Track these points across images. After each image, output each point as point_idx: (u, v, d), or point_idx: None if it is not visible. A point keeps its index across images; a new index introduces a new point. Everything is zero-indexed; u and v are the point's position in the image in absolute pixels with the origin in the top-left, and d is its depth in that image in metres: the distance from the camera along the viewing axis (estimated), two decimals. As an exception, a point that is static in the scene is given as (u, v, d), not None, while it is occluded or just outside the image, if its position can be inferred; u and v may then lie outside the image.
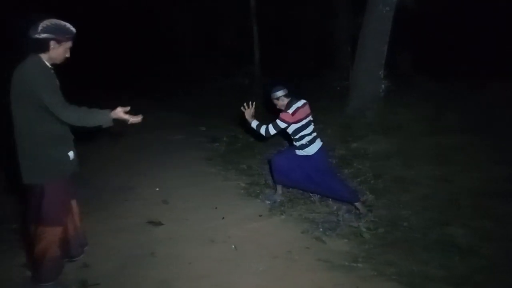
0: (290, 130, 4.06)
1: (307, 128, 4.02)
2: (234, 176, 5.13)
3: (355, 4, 7.61)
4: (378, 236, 3.53)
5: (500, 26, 8.03)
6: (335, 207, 4.10)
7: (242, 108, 4.24)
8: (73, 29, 2.56)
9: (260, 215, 4.03)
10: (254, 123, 4.16)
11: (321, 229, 3.71)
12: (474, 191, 4.01)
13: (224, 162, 5.67)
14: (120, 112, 2.57)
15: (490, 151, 4.59)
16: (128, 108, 2.61)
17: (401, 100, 5.81)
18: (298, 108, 3.95)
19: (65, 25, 2.53)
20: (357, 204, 3.96)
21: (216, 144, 6.58)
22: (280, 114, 4.02)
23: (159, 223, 3.84)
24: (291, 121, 3.95)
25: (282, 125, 3.99)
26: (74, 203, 2.89)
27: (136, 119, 2.64)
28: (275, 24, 10.20)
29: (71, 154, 2.69)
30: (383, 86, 6.28)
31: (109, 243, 3.45)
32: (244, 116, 4.22)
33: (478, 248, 3.21)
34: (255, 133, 4.29)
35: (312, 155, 4.05)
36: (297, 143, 4.09)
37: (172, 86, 10.96)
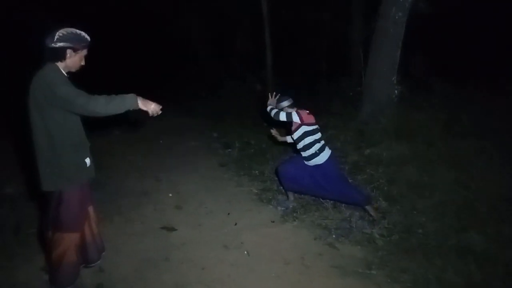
0: (298, 134, 3.99)
1: (316, 134, 3.98)
2: (246, 182, 5.14)
3: (368, 9, 7.58)
4: (392, 242, 3.50)
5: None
6: (348, 213, 4.07)
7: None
8: (88, 37, 2.60)
9: (273, 221, 4.03)
10: (269, 107, 4.21)
11: (334, 236, 3.69)
12: (491, 197, 3.92)
13: (237, 168, 5.68)
14: (145, 104, 2.53)
15: (508, 156, 4.49)
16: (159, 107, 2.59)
17: (416, 104, 5.74)
18: (308, 114, 3.96)
19: (80, 34, 2.57)
20: (369, 208, 3.93)
21: (229, 150, 6.61)
22: (297, 109, 4.02)
23: (173, 229, 3.87)
24: (304, 120, 3.91)
25: (295, 117, 3.92)
26: (91, 209, 2.92)
27: (158, 109, 2.59)
28: (288, 29, 10.22)
29: (87, 160, 2.73)
30: (396, 91, 6.22)
31: (124, 247, 3.49)
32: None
33: (495, 255, 3.15)
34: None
35: (323, 163, 3.98)
36: (306, 153, 4.00)
37: (186, 91, 11.06)
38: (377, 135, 5.54)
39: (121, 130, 7.47)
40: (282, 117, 3.98)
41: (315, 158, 3.98)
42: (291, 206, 4.31)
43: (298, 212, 4.16)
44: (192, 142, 7.07)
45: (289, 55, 10.29)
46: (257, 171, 5.46)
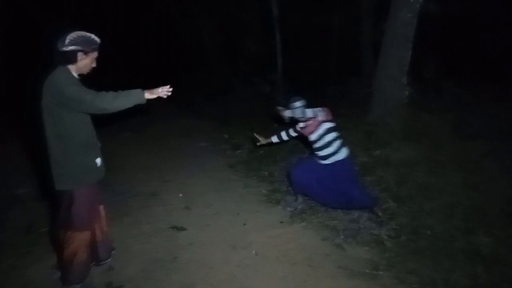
0: (319, 131, 3.87)
1: (336, 131, 3.92)
2: (255, 183, 5.17)
3: (379, 11, 7.56)
4: (400, 244, 3.49)
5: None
6: (356, 215, 4.07)
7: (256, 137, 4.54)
8: (98, 40, 2.66)
9: (281, 222, 4.04)
10: (274, 138, 4.32)
11: (341, 237, 3.70)
12: (500, 199, 3.89)
13: (246, 169, 5.71)
14: (152, 92, 2.60)
15: (518, 159, 4.47)
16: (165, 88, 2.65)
17: (426, 106, 5.71)
18: (328, 110, 3.92)
19: (90, 36, 2.63)
20: (376, 209, 3.92)
21: (238, 151, 6.64)
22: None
23: (182, 228, 3.92)
24: (327, 117, 3.85)
25: (320, 113, 3.82)
26: (101, 208, 2.98)
27: (165, 90, 2.65)
28: (298, 31, 10.23)
29: (98, 161, 2.79)
30: (406, 92, 6.19)
31: (133, 247, 3.55)
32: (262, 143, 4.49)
33: (504, 257, 3.13)
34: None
35: (343, 159, 3.93)
36: (326, 151, 3.92)
37: (196, 93, 11.14)
38: (386, 137, 5.52)
39: (132, 131, 7.56)
40: (309, 113, 3.84)
41: (335, 155, 3.92)
42: (299, 207, 4.32)
43: (307, 213, 4.17)
44: (201, 143, 7.12)
45: (298, 57, 10.28)
46: (266, 172, 5.48)
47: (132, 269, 3.20)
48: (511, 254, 3.15)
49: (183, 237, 3.76)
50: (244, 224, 4.01)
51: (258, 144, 4.57)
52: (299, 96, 4.03)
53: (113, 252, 3.19)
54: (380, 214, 3.91)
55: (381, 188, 4.56)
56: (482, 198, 3.98)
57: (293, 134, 4.33)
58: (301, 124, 4.08)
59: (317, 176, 4.05)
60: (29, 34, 9.51)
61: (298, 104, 3.94)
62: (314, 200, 4.33)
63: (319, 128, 3.89)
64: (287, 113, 3.94)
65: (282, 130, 4.43)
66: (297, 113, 3.88)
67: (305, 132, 4.05)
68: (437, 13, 6.75)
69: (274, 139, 4.50)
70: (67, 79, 2.54)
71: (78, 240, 2.74)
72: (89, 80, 2.76)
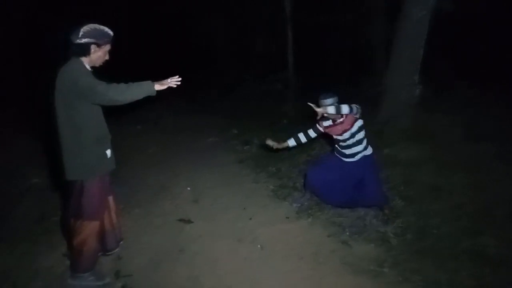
0: (354, 129, 3.72)
1: (364, 129, 3.82)
2: (263, 179, 5.20)
3: (391, 9, 7.51)
4: (405, 242, 3.50)
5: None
6: (362, 212, 4.07)
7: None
8: (111, 32, 2.72)
9: (288, 217, 4.08)
10: (291, 142, 4.10)
11: (347, 233, 3.71)
12: (508, 201, 3.87)
13: (254, 165, 5.75)
14: (162, 83, 2.66)
15: (528, 161, 4.43)
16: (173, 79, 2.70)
17: (437, 106, 5.68)
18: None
19: (103, 29, 2.69)
20: (385, 207, 3.92)
21: (247, 146, 6.68)
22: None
23: (189, 221, 3.98)
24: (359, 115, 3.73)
25: (355, 109, 3.59)
26: (111, 199, 3.05)
27: (175, 80, 2.70)
28: (310, 30, 10.20)
29: (108, 152, 2.85)
30: (418, 91, 6.16)
31: (141, 238, 3.63)
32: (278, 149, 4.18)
33: (510, 259, 3.11)
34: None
35: (370, 154, 3.88)
36: (355, 149, 3.82)
37: (208, 90, 11.21)
38: (396, 136, 5.52)
39: (143, 125, 7.65)
40: (345, 110, 3.53)
41: (363, 153, 3.84)
42: (306, 204, 4.34)
43: (313, 209, 4.19)
44: (211, 139, 7.18)
45: (310, 55, 10.26)
46: (274, 168, 5.51)
47: (140, 259, 3.28)
48: (518, 256, 3.14)
49: (190, 230, 3.83)
50: (251, 219, 4.05)
51: (274, 149, 4.19)
52: (330, 92, 3.76)
53: (121, 242, 3.25)
54: (387, 212, 3.91)
55: (388, 187, 4.55)
56: (489, 199, 3.96)
57: (313, 135, 4.06)
58: (325, 123, 3.88)
59: (333, 178, 3.88)
60: (41, 29, 9.62)
61: (331, 100, 3.66)
62: (323, 201, 4.27)
63: (354, 125, 3.72)
64: (330, 110, 3.54)
65: (299, 132, 4.12)
66: (333, 110, 3.54)
67: (334, 130, 3.83)
68: (451, 10, 6.67)
69: (291, 142, 4.13)
70: (81, 70, 2.60)
71: (88, 229, 2.81)
72: (101, 73, 2.82)
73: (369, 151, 3.92)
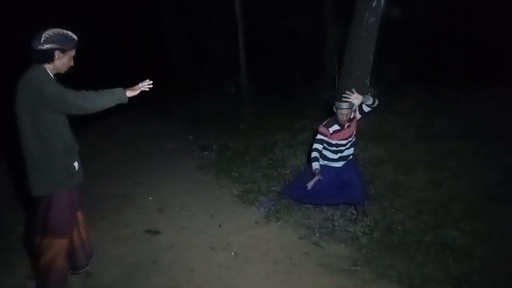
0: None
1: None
2: (227, 184, 5.16)
3: (343, 14, 7.78)
4: (374, 240, 3.61)
5: (489, 32, 8.29)
6: (329, 213, 4.16)
7: None
8: (75, 37, 2.52)
9: (257, 222, 4.06)
10: (315, 165, 3.75)
11: (317, 235, 3.77)
12: (465, 195, 4.13)
13: (216, 171, 5.68)
14: (133, 89, 2.58)
15: (480, 156, 4.74)
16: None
17: (390, 108, 5.95)
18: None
19: (67, 34, 2.48)
20: (360, 206, 3.99)
21: (206, 152, 6.60)
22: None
23: (157, 232, 3.84)
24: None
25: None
26: (79, 214, 2.85)
27: (146, 84, 2.63)
28: (263, 34, 10.31)
29: (76, 164, 2.67)
30: (369, 94, 6.42)
31: (110, 252, 3.44)
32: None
33: (471, 249, 3.31)
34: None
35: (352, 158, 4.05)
36: (350, 151, 4.01)
37: (163, 95, 10.95)
38: (353, 137, 5.70)
39: (95, 133, 7.31)
40: (376, 101, 3.75)
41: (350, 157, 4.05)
42: (273, 207, 4.34)
43: (281, 213, 4.21)
44: (169, 145, 7.02)
45: (264, 59, 10.38)
46: (236, 173, 5.48)
47: (112, 274, 3.10)
48: (478, 245, 3.34)
49: (160, 240, 3.69)
50: (220, 226, 3.99)
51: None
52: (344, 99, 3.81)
53: (92, 259, 3.05)
54: (362, 210, 4.00)
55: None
56: (447, 194, 4.21)
57: (320, 147, 3.90)
58: (331, 128, 3.88)
59: (318, 188, 3.75)
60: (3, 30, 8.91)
61: (347, 105, 3.73)
62: (308, 203, 4.30)
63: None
64: (366, 99, 3.66)
65: (313, 155, 3.85)
66: (370, 100, 3.69)
67: (341, 135, 3.88)
68: (399, 17, 7.04)
69: (316, 165, 3.76)
70: (45, 78, 2.41)
71: (57, 247, 2.60)
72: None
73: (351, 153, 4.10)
